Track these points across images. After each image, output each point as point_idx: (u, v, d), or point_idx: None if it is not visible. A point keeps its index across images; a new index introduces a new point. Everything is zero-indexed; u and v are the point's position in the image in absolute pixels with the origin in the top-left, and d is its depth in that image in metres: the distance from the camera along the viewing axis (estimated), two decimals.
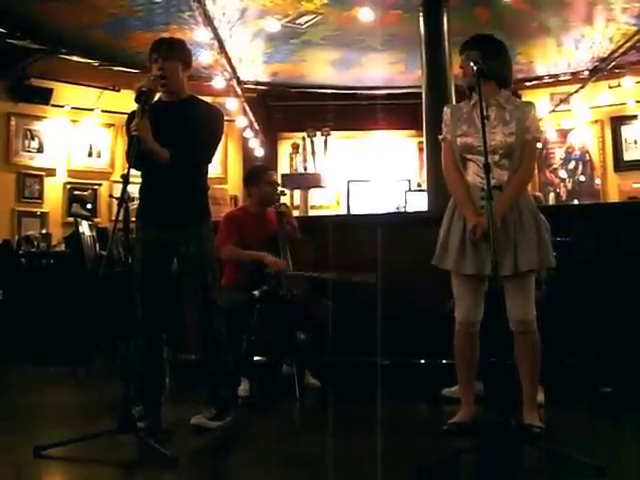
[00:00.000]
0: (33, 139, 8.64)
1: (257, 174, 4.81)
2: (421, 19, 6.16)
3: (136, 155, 3.22)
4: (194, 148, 3.44)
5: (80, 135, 9.04)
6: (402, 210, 7.65)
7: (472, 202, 3.28)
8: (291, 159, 8.73)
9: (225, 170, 9.87)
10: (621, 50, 8.17)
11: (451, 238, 3.33)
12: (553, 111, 9.52)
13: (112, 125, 9.16)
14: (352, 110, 9.79)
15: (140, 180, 3.58)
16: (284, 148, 10.08)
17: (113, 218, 3.15)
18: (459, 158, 3.35)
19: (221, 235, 4.45)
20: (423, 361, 4.79)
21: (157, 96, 3.52)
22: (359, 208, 9.18)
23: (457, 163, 3.36)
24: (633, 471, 2.87)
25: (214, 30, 7.21)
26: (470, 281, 3.30)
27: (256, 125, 9.73)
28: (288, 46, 8.34)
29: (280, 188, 4.90)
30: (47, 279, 6.56)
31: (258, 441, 3.46)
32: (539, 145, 4.74)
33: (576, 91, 9.17)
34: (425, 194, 6.20)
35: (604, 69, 8.77)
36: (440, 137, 3.47)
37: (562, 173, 9.75)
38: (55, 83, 8.67)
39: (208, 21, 6.98)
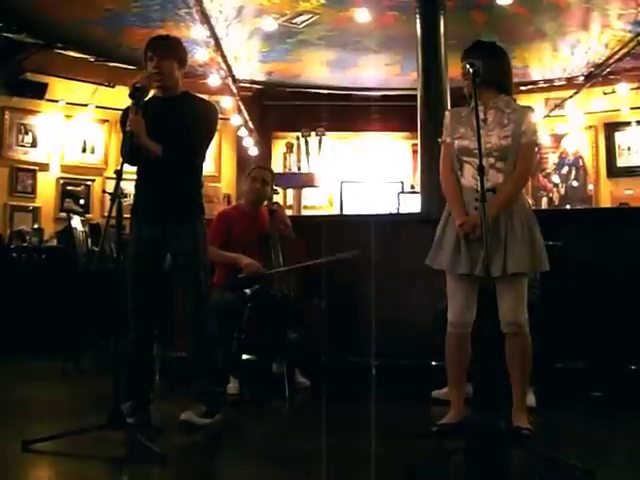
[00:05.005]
0: (27, 133, 8.60)
1: (247, 171, 4.81)
2: (417, 21, 6.15)
3: (130, 151, 3.22)
4: (189, 144, 3.44)
5: (74, 130, 9.00)
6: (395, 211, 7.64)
7: (462, 204, 3.31)
8: (285, 159, 8.72)
9: (219, 168, 9.85)
10: (616, 56, 8.19)
11: (446, 239, 3.34)
12: (547, 116, 9.53)
13: (106, 121, 9.13)
14: (347, 111, 9.79)
15: (135, 176, 3.58)
16: (278, 147, 10.09)
17: (106, 214, 3.14)
18: (456, 160, 3.37)
19: (208, 235, 4.44)
20: (413, 362, 4.79)
21: (151, 92, 3.52)
22: (352, 209, 9.17)
23: (454, 166, 3.38)
24: (622, 475, 2.88)
25: (210, 28, 7.21)
26: (463, 281, 3.32)
27: (250, 124, 9.71)
28: (284, 45, 8.33)
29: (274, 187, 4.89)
30: (38, 274, 6.55)
31: (247, 439, 3.46)
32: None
33: (571, 96, 9.20)
34: (418, 196, 6.20)
35: (599, 75, 8.79)
36: (440, 140, 3.49)
37: (555, 178, 9.77)
38: (50, 78, 8.63)
39: (205, 19, 6.97)
